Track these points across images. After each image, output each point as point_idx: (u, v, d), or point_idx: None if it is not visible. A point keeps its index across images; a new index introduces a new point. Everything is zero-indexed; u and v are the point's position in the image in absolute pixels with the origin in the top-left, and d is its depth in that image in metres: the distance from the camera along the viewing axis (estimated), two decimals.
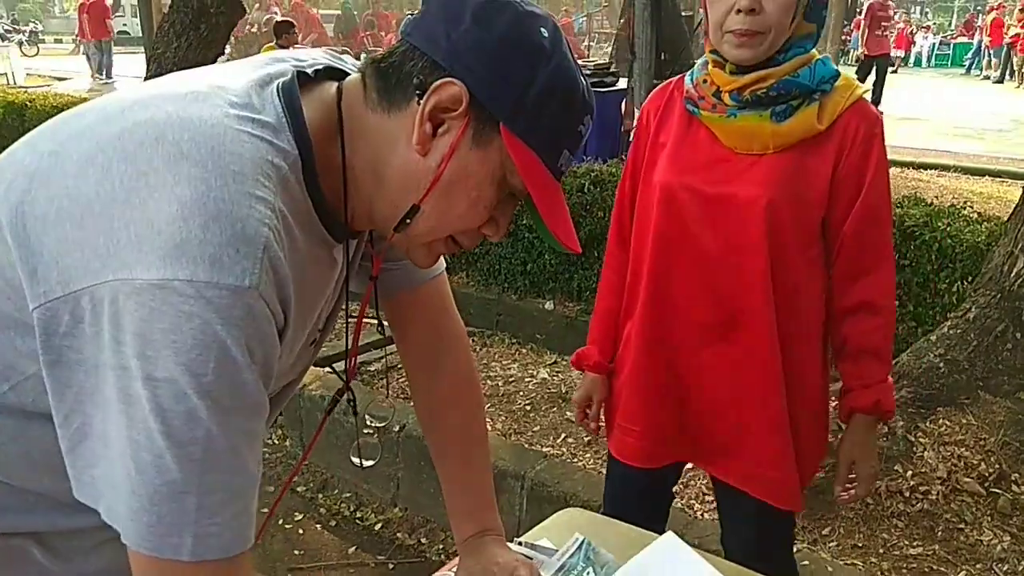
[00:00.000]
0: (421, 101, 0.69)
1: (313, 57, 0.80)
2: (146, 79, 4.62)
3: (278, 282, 0.64)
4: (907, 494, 2.19)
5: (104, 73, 14.55)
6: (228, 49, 8.00)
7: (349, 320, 0.89)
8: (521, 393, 2.83)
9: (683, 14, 5.19)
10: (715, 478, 1.47)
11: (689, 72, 1.38)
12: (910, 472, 2.23)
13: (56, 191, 0.63)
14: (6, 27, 25.51)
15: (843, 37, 13.02)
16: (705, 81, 1.32)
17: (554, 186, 0.75)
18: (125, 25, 22.05)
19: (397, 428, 2.48)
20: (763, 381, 1.33)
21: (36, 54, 21.50)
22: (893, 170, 6.61)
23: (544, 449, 2.55)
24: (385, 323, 1.03)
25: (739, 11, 1.21)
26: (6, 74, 14.04)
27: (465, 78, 0.69)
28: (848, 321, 1.33)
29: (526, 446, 2.50)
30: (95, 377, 0.62)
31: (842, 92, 1.28)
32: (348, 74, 0.79)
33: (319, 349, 0.92)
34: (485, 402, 2.76)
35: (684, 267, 1.35)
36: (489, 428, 2.61)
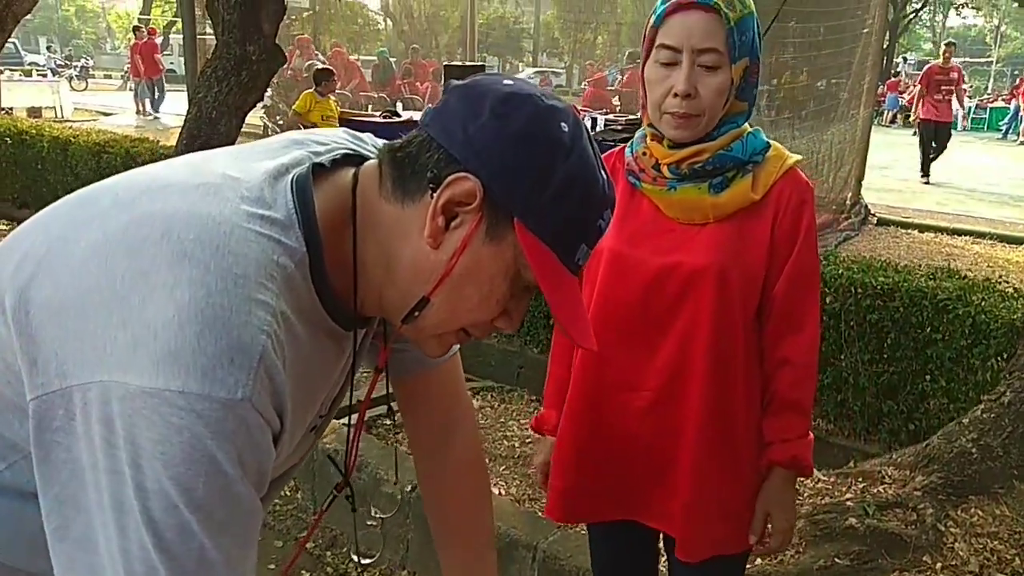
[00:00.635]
0: (434, 194, 0.68)
1: (334, 141, 0.80)
2: (186, 120, 4.73)
3: (274, 390, 0.63)
4: None
5: (152, 108, 14.98)
6: (269, 92, 8.20)
7: (350, 412, 0.87)
8: None
9: None
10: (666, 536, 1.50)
11: (629, 144, 1.46)
12: (939, 564, 2.13)
13: (60, 280, 0.62)
14: (59, 62, 26.52)
15: (877, 99, 12.99)
16: (645, 154, 1.40)
17: (570, 282, 0.73)
18: (172, 64, 22.78)
19: (409, 488, 2.44)
20: (695, 442, 1.38)
21: (85, 88, 22.31)
22: (927, 235, 6.53)
23: None
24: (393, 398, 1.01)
25: (676, 95, 1.29)
26: (54, 108, 14.53)
27: (480, 173, 0.67)
28: (773, 377, 1.40)
29: (540, 514, 2.43)
30: (79, 479, 0.60)
31: (774, 162, 1.37)
32: (366, 158, 0.78)
33: (321, 434, 0.90)
34: (500, 464, 2.72)
35: (625, 333, 1.41)
36: (503, 493, 2.56)
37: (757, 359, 1.42)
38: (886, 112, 20.59)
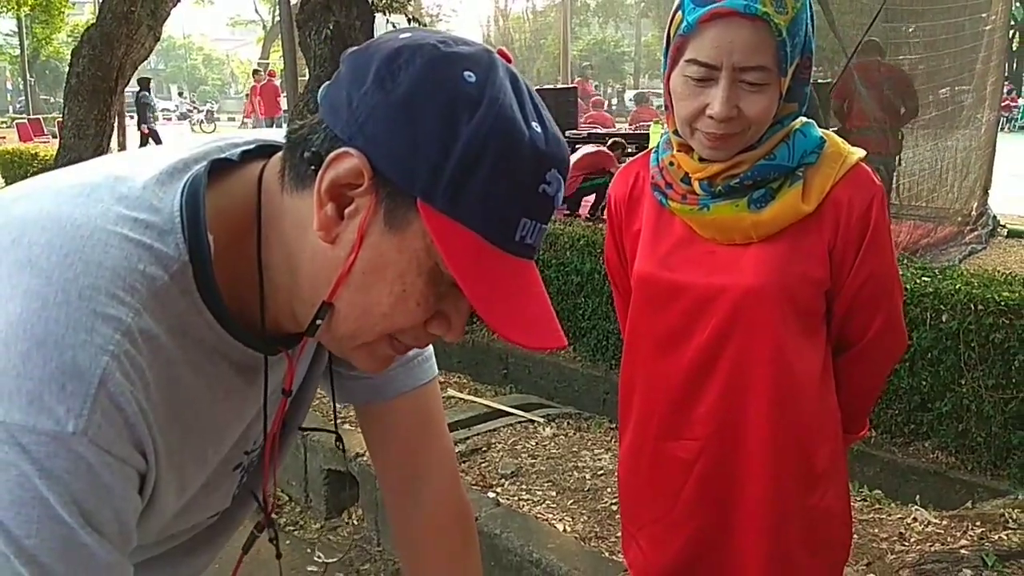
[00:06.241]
0: (317, 177, 0.58)
1: (256, 136, 0.69)
2: None
3: (126, 421, 0.53)
4: None
5: None
6: None
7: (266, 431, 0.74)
8: (609, 490, 2.58)
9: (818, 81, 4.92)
10: None
11: (655, 150, 1.25)
12: None
13: None
14: (188, 107, 28.68)
15: (1007, 103, 11.96)
16: (672, 163, 1.19)
17: (513, 268, 0.59)
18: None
19: None
20: (764, 498, 1.18)
21: (213, 130, 23.94)
22: (1010, 241, 5.87)
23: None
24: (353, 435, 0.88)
25: (711, 117, 1.07)
26: None
27: (367, 149, 0.56)
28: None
29: (606, 554, 2.25)
30: None
31: (831, 163, 1.14)
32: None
33: (250, 475, 0.79)
34: (567, 498, 2.55)
35: (661, 371, 1.23)
36: (567, 530, 2.38)
37: (834, 402, 1.22)
38: (1017, 120, 19.00)
